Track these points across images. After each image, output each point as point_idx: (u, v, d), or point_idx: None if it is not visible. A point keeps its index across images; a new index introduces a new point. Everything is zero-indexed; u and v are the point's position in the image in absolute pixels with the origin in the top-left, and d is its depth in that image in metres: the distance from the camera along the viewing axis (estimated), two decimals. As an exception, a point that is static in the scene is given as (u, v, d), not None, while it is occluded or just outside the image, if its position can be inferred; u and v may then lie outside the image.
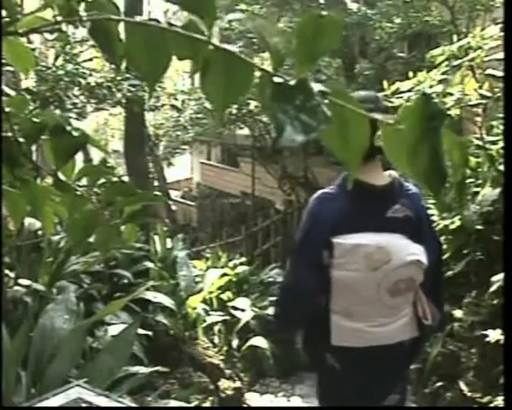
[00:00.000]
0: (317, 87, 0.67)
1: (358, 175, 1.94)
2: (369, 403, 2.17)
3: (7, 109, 0.96)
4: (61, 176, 0.98)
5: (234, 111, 9.91)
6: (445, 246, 4.99)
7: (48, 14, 0.89)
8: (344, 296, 2.06)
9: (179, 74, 14.84)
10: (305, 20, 0.67)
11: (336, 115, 0.67)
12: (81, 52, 7.41)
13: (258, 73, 0.71)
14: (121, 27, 0.82)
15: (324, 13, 0.68)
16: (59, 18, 0.85)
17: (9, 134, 0.93)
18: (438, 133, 0.67)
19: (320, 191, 2.15)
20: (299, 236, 2.11)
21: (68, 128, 0.91)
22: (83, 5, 0.84)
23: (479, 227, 4.45)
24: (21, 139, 0.95)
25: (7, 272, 3.68)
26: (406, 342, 2.13)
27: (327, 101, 0.66)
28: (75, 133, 0.91)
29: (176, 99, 11.73)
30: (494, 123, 4.18)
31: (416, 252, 2.05)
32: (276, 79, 0.68)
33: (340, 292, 2.06)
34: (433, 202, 5.70)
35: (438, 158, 0.68)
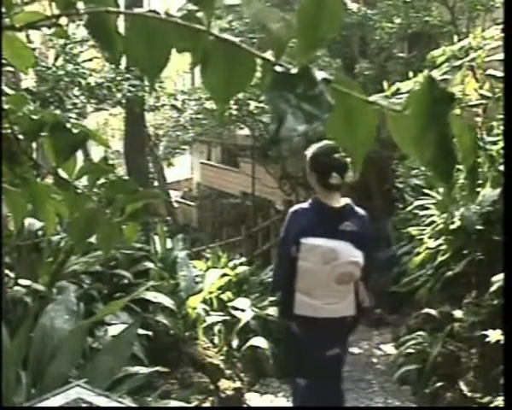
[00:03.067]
0: (320, 75, 0.64)
1: (322, 199, 3.04)
2: (317, 354, 3.11)
3: (5, 107, 0.95)
4: (62, 174, 0.98)
5: (234, 111, 9.90)
6: (445, 246, 5.00)
7: (47, 12, 0.89)
8: (305, 280, 3.01)
9: (179, 75, 14.85)
10: (306, 4, 0.65)
11: (341, 104, 0.65)
12: (81, 52, 7.40)
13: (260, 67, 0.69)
14: (120, 23, 0.81)
15: None
16: (56, 12, 0.84)
17: (8, 131, 0.93)
18: (445, 118, 0.65)
19: (296, 206, 3.20)
20: (281, 235, 3.18)
21: (68, 125, 0.90)
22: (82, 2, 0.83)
23: (479, 227, 4.45)
24: (21, 137, 0.94)
25: (7, 272, 3.67)
26: (347, 317, 3.11)
27: (330, 89, 0.64)
28: (75, 130, 0.90)
29: (176, 99, 11.72)
30: (494, 123, 4.18)
31: (357, 255, 2.97)
32: (278, 68, 0.66)
33: (302, 277, 3.00)
34: (433, 202, 5.70)
35: (446, 143, 0.65)
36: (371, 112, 0.67)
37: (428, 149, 0.65)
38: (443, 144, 0.65)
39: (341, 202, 3.05)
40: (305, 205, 3.14)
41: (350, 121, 0.67)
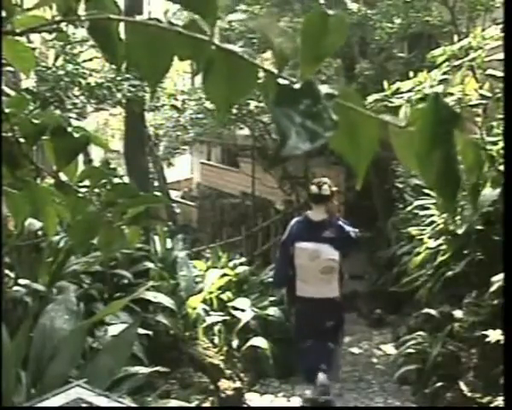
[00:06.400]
0: (323, 89, 0.63)
1: (311, 215, 4.40)
2: (316, 327, 4.31)
3: (7, 110, 0.95)
4: (63, 177, 0.98)
5: (234, 111, 9.89)
6: (445, 246, 4.99)
7: (47, 14, 0.89)
8: (300, 272, 4.29)
9: (179, 74, 14.84)
10: (311, 18, 0.65)
11: (344, 118, 0.64)
12: (81, 52, 7.40)
13: (262, 74, 0.68)
14: (122, 27, 0.81)
15: (329, 11, 0.65)
16: (57, 17, 0.83)
17: (9, 134, 0.92)
18: (450, 137, 0.63)
19: (295, 218, 4.62)
20: (283, 239, 4.54)
21: (69, 129, 0.90)
22: (83, 4, 0.83)
23: (479, 227, 4.45)
24: (22, 140, 0.94)
25: (7, 272, 3.67)
26: (335, 298, 4.32)
27: (333, 104, 0.63)
28: (76, 134, 0.90)
29: (176, 99, 11.70)
30: (494, 123, 4.18)
31: (334, 254, 4.23)
32: (281, 81, 0.65)
33: (298, 269, 4.30)
34: (433, 202, 5.70)
35: (451, 162, 0.64)
36: (374, 125, 0.66)
37: (432, 168, 0.64)
38: (448, 165, 0.64)
39: (323, 215, 4.32)
40: (300, 218, 4.53)
41: (352, 135, 0.67)
